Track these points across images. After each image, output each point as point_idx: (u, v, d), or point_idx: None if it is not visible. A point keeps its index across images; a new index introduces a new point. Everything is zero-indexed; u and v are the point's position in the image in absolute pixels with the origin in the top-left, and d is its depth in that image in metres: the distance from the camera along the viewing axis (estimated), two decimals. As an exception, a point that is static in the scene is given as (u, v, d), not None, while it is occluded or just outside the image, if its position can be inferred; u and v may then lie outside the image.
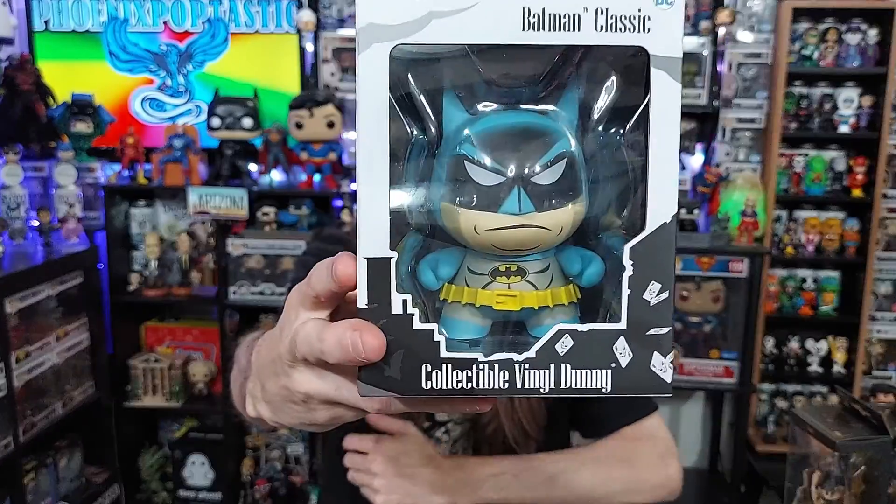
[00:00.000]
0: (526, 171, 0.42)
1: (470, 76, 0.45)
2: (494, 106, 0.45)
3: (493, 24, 0.41)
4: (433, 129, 0.45)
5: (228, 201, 2.82)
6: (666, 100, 0.43)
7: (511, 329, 0.47)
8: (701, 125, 3.06)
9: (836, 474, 1.03)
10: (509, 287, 0.45)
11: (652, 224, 0.43)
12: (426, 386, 0.44)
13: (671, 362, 0.44)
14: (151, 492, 3.18)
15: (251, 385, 0.62)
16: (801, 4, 2.89)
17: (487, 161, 0.43)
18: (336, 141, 2.90)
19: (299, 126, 2.85)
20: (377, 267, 0.43)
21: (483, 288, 0.45)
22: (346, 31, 3.03)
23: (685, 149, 3.04)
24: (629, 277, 0.43)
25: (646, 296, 0.43)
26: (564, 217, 0.43)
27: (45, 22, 3.12)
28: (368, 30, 0.42)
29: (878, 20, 2.89)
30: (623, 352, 0.44)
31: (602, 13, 0.42)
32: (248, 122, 2.89)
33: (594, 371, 0.44)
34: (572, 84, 0.45)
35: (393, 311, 0.44)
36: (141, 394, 3.04)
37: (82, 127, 2.99)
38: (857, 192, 2.97)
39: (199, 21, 3.08)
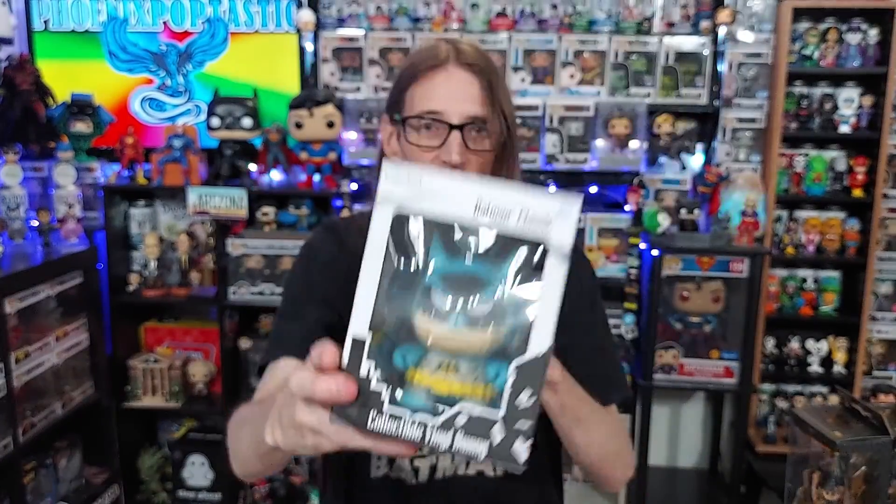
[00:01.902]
0: (466, 301, 0.62)
1: (450, 236, 0.64)
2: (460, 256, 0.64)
3: (455, 208, 0.62)
4: (415, 262, 0.64)
5: (228, 201, 2.82)
6: (552, 279, 0.62)
7: (442, 402, 0.64)
8: (701, 125, 3.06)
9: (836, 474, 1.04)
10: (447, 377, 0.63)
11: (532, 352, 0.62)
12: (370, 426, 0.63)
13: (529, 445, 0.62)
14: (151, 492, 3.18)
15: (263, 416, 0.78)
16: (802, 4, 2.89)
17: (445, 293, 0.63)
18: (336, 141, 2.90)
19: (299, 126, 2.85)
20: (357, 345, 0.64)
21: (431, 374, 0.63)
22: (345, 31, 3.02)
23: (686, 149, 3.04)
24: (511, 384, 0.62)
25: (520, 398, 0.62)
26: (485, 337, 0.62)
27: (45, 22, 3.12)
28: (384, 194, 0.63)
29: (879, 20, 2.89)
30: (498, 432, 0.62)
31: (521, 211, 0.62)
32: (247, 121, 2.89)
33: (477, 441, 0.62)
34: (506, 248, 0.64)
35: (360, 375, 0.63)
36: (140, 394, 3.04)
37: (82, 127, 2.99)
38: (857, 192, 2.97)
39: (199, 21, 3.09)
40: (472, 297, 0.63)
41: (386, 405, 0.63)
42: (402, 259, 0.64)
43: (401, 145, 1.16)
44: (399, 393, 0.64)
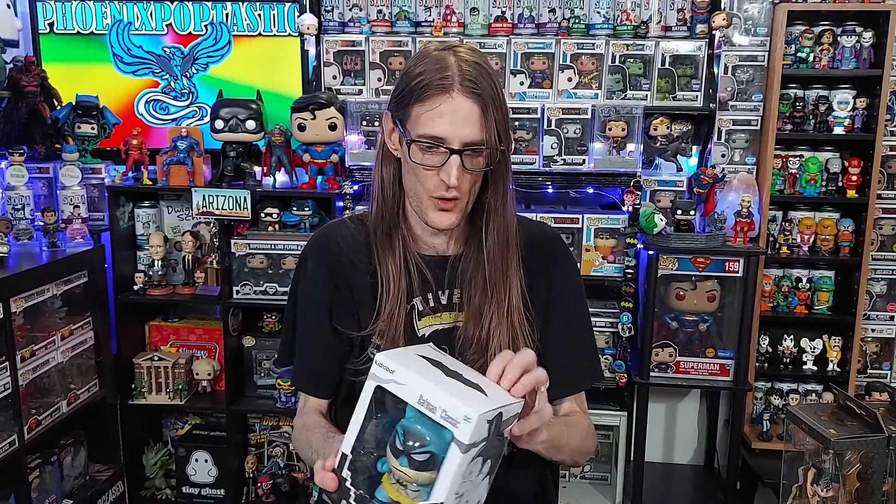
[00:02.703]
0: (413, 448, 0.92)
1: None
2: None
3: (407, 395, 0.93)
4: (390, 414, 0.96)
5: (232, 202, 2.85)
6: (452, 459, 0.90)
7: None
8: (697, 127, 3.09)
9: (830, 471, 1.06)
10: (399, 489, 0.94)
11: (433, 499, 0.91)
12: None
13: None
14: (155, 489, 3.21)
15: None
16: (797, 7, 2.92)
17: (403, 440, 0.93)
18: (338, 143, 2.92)
19: (302, 128, 2.88)
20: (343, 457, 0.97)
21: (391, 485, 0.95)
22: (347, 35, 3.05)
23: (682, 151, 3.07)
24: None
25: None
26: (423, 475, 0.92)
27: (50, 24, 3.15)
28: (371, 374, 0.96)
29: (873, 23, 2.92)
30: None
31: (442, 410, 0.90)
32: (251, 124, 2.92)
33: None
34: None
35: (342, 475, 0.97)
36: (145, 392, 3.07)
37: (87, 129, 3.01)
38: (851, 193, 3.00)
39: (203, 24, 3.11)
40: (415, 447, 0.92)
41: (352, 499, 0.97)
42: (379, 413, 0.97)
43: (402, 153, 1.27)
44: (365, 493, 0.97)
